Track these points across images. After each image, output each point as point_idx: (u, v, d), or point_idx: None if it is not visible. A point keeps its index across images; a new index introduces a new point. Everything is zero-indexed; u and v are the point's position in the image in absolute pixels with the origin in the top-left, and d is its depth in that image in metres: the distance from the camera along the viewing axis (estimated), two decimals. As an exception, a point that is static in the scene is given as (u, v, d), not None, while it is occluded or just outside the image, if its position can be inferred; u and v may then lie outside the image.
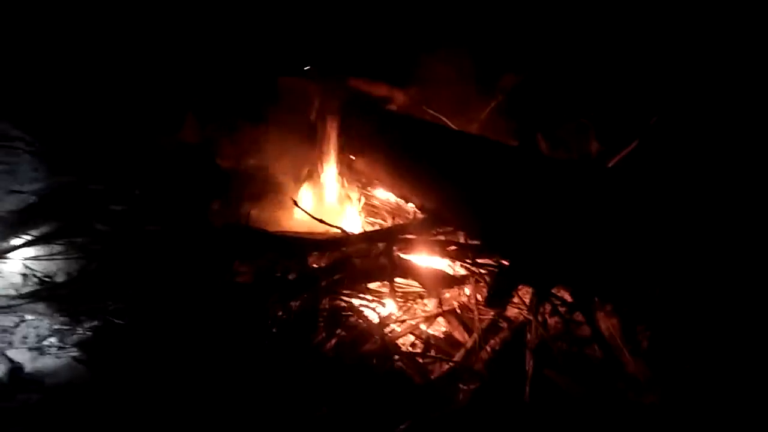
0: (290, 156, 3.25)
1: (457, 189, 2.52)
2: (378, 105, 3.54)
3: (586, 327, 2.56)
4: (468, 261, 2.56)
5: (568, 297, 2.60)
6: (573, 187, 2.70)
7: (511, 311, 2.65)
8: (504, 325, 2.56)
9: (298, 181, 3.05)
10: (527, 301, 2.56)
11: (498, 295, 2.42)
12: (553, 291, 2.59)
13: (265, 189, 3.16)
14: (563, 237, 2.58)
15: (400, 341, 2.42)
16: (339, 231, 2.51)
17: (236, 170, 3.46)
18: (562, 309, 2.58)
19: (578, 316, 2.59)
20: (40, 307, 2.49)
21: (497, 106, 3.51)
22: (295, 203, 2.61)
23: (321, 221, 2.51)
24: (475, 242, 2.50)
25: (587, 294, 2.70)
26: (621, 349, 2.46)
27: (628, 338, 2.50)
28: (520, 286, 2.61)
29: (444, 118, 3.54)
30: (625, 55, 3.45)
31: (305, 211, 2.57)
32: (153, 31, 3.88)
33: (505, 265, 2.47)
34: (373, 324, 2.40)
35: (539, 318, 2.50)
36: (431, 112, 3.57)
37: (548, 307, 2.62)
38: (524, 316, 2.52)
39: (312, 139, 3.16)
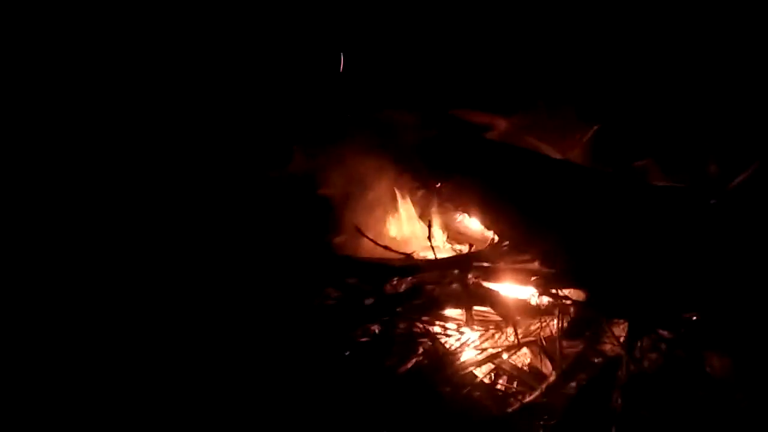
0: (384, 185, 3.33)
1: (543, 216, 2.46)
2: (473, 132, 3.54)
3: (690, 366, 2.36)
4: (553, 291, 2.45)
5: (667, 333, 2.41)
6: (671, 215, 2.52)
7: (605, 346, 2.49)
8: (594, 360, 2.41)
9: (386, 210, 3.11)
10: (622, 335, 2.40)
11: (581, 327, 2.29)
12: (653, 326, 2.41)
13: (359, 216, 3.25)
14: (658, 266, 2.41)
15: (477, 370, 2.36)
16: (414, 257, 2.53)
17: (337, 199, 3.59)
18: (662, 345, 2.39)
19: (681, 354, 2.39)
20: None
21: (598, 131, 3.35)
22: (358, 230, 2.67)
23: (386, 248, 2.54)
24: (559, 271, 2.39)
25: (692, 330, 2.49)
26: (735, 392, 2.23)
27: (744, 380, 2.27)
28: (614, 320, 2.47)
29: (544, 145, 3.47)
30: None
31: (368, 238, 2.62)
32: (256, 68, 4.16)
33: (589, 296, 2.34)
34: (449, 351, 2.37)
35: (634, 354, 2.33)
36: (530, 139, 3.51)
37: (647, 343, 2.45)
38: (616, 352, 2.36)
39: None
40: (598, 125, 3.43)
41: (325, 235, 3.17)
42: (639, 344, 2.38)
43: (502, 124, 3.86)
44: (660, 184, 3.16)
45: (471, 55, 4.25)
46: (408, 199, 3.00)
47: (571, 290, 2.42)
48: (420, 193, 3.04)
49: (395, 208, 3.02)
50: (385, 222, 3.16)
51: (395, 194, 3.04)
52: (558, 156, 3.39)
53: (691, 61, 3.50)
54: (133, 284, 2.73)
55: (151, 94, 3.91)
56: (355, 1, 4.43)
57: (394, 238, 2.68)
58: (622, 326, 2.44)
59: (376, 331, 2.41)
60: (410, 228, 2.96)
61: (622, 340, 2.37)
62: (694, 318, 2.51)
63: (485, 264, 2.43)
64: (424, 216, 2.94)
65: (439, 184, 2.92)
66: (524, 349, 2.50)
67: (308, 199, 3.66)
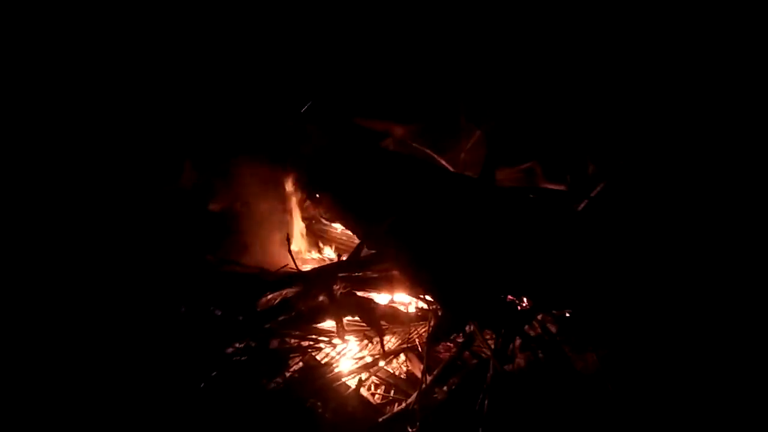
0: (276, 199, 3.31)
1: (407, 223, 2.49)
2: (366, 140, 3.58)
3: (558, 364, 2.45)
4: (425, 298, 2.50)
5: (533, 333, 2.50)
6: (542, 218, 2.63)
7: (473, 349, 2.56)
8: (465, 363, 2.47)
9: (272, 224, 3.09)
10: (490, 339, 2.47)
11: (442, 333, 2.35)
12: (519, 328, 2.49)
13: (249, 230, 3.22)
14: (525, 267, 2.51)
15: (353, 381, 2.37)
16: (284, 272, 2.52)
17: (228, 213, 3.55)
18: (530, 345, 2.48)
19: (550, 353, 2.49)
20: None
21: (483, 136, 3.46)
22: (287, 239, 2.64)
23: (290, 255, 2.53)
24: (423, 278, 2.44)
25: (560, 329, 2.59)
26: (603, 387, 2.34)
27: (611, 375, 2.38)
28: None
29: (431, 152, 3.56)
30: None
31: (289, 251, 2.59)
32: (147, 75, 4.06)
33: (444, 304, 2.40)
34: (321, 364, 2.37)
35: (502, 356, 2.40)
36: (417, 146, 3.60)
37: (516, 344, 2.53)
38: (486, 355, 2.43)
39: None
40: (485, 126, 3.54)
41: (209, 250, 3.11)
42: (509, 346, 2.47)
43: (398, 131, 3.93)
44: (544, 185, 3.32)
45: (373, 62, 4.27)
46: (298, 212, 2.99)
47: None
48: (306, 204, 3.05)
49: (289, 221, 3.01)
50: (274, 235, 3.14)
51: (288, 207, 3.02)
52: (443, 161, 3.49)
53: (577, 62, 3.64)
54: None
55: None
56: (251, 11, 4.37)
57: (289, 251, 2.66)
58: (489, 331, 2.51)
59: (250, 346, 2.37)
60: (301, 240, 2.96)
61: (491, 343, 2.45)
62: (566, 315, 2.63)
63: (351, 274, 2.44)
64: (309, 227, 2.94)
65: (317, 195, 2.93)
66: (401, 356, 2.54)
67: (198, 213, 3.60)
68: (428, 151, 3.62)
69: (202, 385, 2.19)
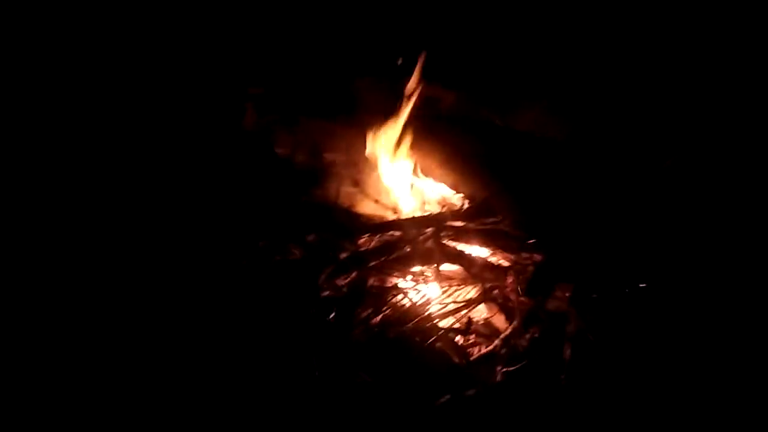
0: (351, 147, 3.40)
1: (504, 182, 2.64)
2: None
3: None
4: (513, 252, 2.65)
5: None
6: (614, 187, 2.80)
7: (553, 304, 2.72)
8: (544, 316, 2.63)
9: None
10: (568, 294, 2.64)
11: (537, 286, 2.50)
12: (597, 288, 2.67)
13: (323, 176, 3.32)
14: (607, 235, 2.68)
15: (441, 323, 2.52)
16: (392, 214, 2.65)
17: (292, 159, 3.63)
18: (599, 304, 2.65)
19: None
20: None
21: (547, 104, 3.57)
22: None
23: (375, 201, 2.65)
24: (521, 234, 2.59)
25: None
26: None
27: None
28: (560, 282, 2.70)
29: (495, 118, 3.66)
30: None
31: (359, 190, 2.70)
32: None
33: (544, 258, 2.56)
34: (417, 304, 2.52)
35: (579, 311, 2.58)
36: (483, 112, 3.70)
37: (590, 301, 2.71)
38: (563, 309, 2.60)
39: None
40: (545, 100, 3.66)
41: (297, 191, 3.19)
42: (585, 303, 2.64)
43: (450, 97, 4.02)
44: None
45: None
46: (385, 162, 3.08)
47: (529, 253, 2.63)
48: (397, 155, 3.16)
49: (373, 170, 3.10)
50: (356, 183, 3.24)
51: (368, 157, 3.11)
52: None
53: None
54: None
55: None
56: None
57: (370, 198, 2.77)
58: (569, 287, 2.68)
59: (348, 283, 2.50)
60: (387, 189, 3.06)
61: (568, 298, 2.61)
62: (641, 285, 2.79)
63: (456, 224, 2.58)
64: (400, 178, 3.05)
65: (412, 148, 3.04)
66: (481, 305, 2.69)
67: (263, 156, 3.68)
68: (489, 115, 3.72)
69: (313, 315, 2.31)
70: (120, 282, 2.58)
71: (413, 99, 3.10)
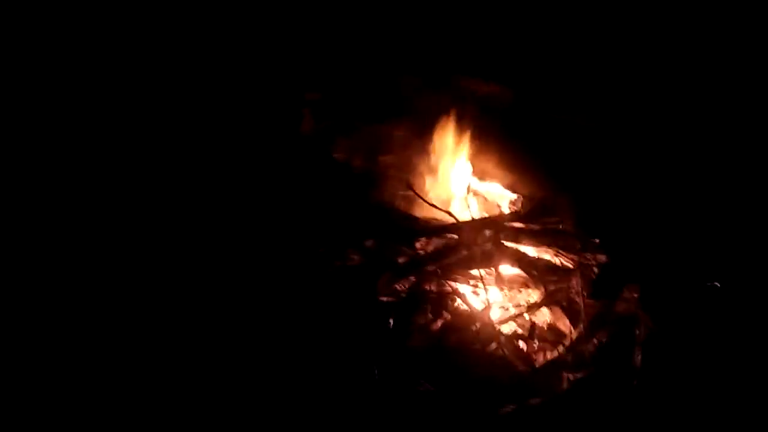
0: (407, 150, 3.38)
1: (563, 181, 2.54)
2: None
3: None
4: (576, 253, 2.55)
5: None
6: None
7: (621, 306, 2.60)
8: (611, 319, 2.52)
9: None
10: (636, 295, 2.52)
11: (602, 288, 2.40)
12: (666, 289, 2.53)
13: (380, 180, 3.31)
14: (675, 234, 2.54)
15: (504, 328, 2.46)
16: (449, 217, 2.60)
17: (350, 163, 3.64)
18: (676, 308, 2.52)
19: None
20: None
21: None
22: (409, 187, 2.71)
23: (432, 205, 2.61)
24: (583, 234, 2.49)
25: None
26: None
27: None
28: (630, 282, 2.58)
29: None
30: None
31: (416, 194, 2.66)
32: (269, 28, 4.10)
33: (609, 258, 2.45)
34: (478, 309, 2.46)
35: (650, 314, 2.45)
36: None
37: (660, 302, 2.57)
38: (631, 311, 2.48)
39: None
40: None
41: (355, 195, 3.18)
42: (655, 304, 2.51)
43: (507, 94, 3.92)
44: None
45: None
46: (442, 163, 3.05)
47: (593, 254, 2.52)
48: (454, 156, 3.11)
49: (430, 172, 3.07)
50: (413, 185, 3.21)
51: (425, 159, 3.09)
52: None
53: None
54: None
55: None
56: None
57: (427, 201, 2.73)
58: (636, 288, 2.55)
59: (407, 287, 2.47)
60: (444, 191, 3.03)
61: (637, 300, 2.49)
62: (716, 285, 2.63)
63: (516, 225, 2.51)
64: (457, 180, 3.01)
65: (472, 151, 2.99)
66: (544, 309, 2.60)
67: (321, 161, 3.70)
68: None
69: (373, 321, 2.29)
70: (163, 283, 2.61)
71: (468, 99, 3.03)
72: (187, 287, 2.53)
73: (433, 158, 3.13)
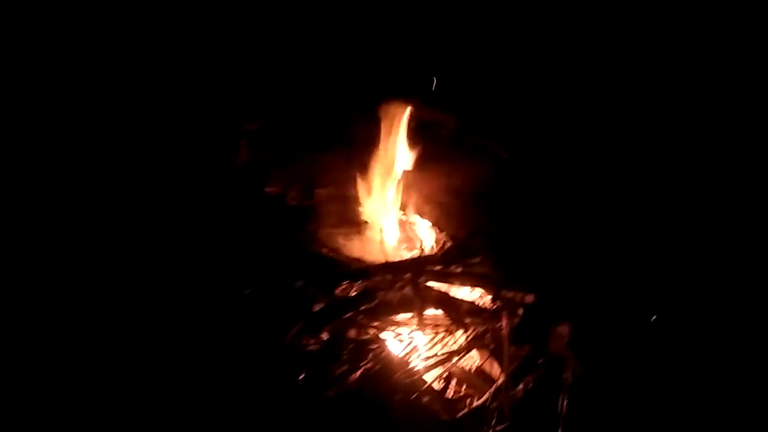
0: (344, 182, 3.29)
1: (488, 218, 2.46)
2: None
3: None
4: (502, 294, 2.46)
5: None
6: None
7: (552, 346, 2.52)
8: (540, 362, 2.43)
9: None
10: (566, 337, 2.44)
11: (529, 330, 2.32)
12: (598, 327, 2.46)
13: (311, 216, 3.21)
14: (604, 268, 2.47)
15: (428, 375, 2.35)
16: (377, 257, 2.51)
17: (284, 197, 3.53)
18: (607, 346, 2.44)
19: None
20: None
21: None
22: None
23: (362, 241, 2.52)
24: (507, 273, 2.41)
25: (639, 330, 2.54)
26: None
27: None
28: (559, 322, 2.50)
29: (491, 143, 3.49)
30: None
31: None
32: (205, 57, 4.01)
33: (536, 298, 2.37)
34: (399, 357, 2.35)
35: (579, 355, 2.37)
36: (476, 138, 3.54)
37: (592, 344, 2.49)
38: (561, 353, 2.39)
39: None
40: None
41: (279, 235, 3.08)
42: (584, 345, 2.43)
43: (452, 121, 3.86)
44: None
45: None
46: (374, 197, 2.96)
47: (519, 293, 2.44)
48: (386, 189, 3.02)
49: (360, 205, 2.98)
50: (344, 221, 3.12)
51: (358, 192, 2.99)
52: (504, 154, 3.42)
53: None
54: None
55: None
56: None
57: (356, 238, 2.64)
58: (566, 327, 2.47)
59: (325, 337, 2.35)
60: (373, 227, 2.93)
61: (566, 341, 2.41)
62: (651, 318, 2.57)
63: (437, 267, 2.42)
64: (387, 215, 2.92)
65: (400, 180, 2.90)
66: (473, 353, 2.51)
67: (254, 196, 3.59)
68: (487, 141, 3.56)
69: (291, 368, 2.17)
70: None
71: (404, 128, 2.95)
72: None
73: (366, 190, 3.03)
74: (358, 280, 2.43)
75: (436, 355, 2.38)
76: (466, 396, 2.37)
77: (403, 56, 3.84)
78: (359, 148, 3.36)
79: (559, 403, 2.22)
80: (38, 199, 3.10)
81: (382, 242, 2.77)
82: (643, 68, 3.36)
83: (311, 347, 2.32)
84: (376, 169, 3.11)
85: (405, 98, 3.21)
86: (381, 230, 2.83)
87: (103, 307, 2.51)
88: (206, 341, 2.37)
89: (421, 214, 2.86)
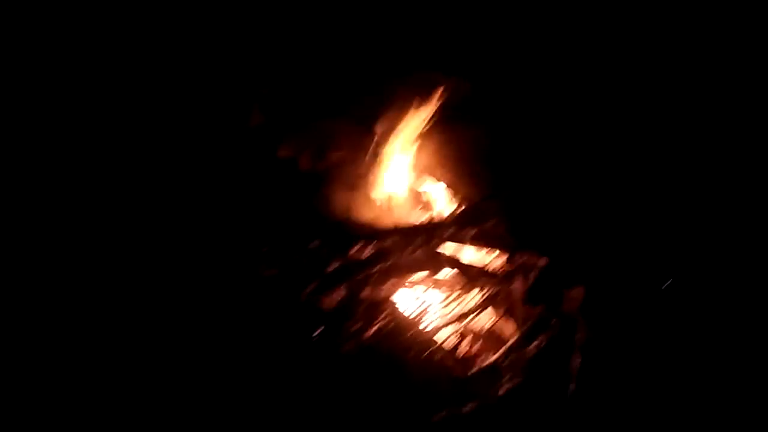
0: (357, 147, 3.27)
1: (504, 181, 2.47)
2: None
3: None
4: (516, 256, 2.48)
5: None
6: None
7: (563, 309, 2.54)
8: (552, 322, 2.46)
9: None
10: (578, 298, 2.46)
11: (541, 292, 2.34)
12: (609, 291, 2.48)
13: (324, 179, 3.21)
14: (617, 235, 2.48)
15: (441, 333, 2.39)
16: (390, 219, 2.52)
17: (297, 161, 3.53)
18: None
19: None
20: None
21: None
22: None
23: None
24: (523, 237, 2.42)
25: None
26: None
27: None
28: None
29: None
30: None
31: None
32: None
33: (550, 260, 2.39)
34: (414, 315, 2.39)
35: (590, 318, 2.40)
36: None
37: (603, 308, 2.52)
38: (573, 315, 2.42)
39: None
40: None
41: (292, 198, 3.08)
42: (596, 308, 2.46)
43: (464, 87, 3.82)
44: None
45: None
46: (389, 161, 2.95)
47: (532, 256, 2.45)
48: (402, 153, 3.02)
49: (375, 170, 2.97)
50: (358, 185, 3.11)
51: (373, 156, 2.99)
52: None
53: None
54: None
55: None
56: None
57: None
58: (580, 291, 2.49)
59: (341, 296, 2.38)
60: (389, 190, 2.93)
61: (579, 305, 2.44)
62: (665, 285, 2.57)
63: (450, 230, 2.43)
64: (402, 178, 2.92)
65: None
66: (484, 313, 2.53)
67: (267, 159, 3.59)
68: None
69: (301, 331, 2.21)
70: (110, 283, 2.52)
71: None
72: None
73: (381, 154, 3.02)
74: (371, 243, 2.45)
75: (449, 314, 2.41)
76: (477, 354, 2.41)
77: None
78: (374, 111, 3.34)
79: (571, 361, 2.26)
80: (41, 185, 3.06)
81: (395, 206, 2.78)
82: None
83: (326, 305, 2.35)
84: (391, 132, 3.10)
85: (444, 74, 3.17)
86: (394, 193, 2.83)
87: (122, 264, 2.53)
88: (224, 298, 2.41)
89: (436, 177, 2.86)
